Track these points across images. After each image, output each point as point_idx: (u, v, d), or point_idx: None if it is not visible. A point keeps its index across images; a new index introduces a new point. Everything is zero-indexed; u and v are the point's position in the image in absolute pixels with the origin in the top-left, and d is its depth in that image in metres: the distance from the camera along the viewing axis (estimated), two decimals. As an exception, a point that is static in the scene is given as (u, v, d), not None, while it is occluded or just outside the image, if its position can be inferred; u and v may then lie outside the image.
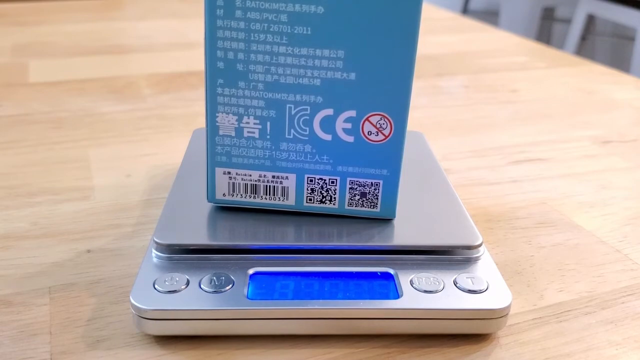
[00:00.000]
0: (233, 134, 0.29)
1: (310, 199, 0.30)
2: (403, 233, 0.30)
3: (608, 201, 0.40)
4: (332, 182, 0.30)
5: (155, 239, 0.28)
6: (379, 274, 0.28)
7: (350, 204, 0.30)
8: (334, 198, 0.30)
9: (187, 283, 0.27)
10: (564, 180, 0.42)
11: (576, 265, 0.33)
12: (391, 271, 0.28)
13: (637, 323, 0.28)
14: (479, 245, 0.29)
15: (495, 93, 0.60)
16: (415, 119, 0.53)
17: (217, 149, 0.29)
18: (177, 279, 0.27)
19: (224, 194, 0.30)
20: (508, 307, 0.27)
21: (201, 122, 0.50)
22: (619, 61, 2.19)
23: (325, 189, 0.30)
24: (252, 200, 0.30)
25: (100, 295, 0.29)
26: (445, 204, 0.32)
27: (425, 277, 0.28)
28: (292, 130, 0.29)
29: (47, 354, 0.26)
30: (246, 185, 0.30)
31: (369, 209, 0.30)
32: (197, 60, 0.68)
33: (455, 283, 0.27)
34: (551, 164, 0.45)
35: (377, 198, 0.30)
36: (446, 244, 0.29)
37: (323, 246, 0.29)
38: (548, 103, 0.57)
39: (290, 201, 0.30)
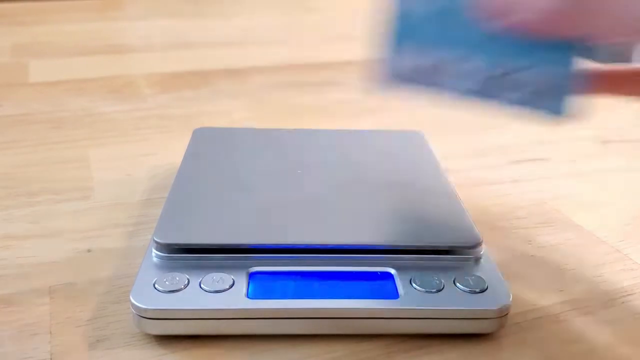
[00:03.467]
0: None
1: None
2: (403, 232, 0.30)
3: (608, 201, 0.40)
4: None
5: (156, 239, 0.28)
6: (379, 273, 0.28)
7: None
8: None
9: (188, 282, 0.27)
10: (564, 180, 0.42)
11: (576, 265, 0.33)
12: (391, 271, 0.28)
13: (637, 323, 0.28)
14: (479, 245, 0.29)
15: (495, 93, 0.60)
16: (415, 119, 0.53)
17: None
18: (178, 278, 0.27)
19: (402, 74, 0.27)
20: (508, 307, 0.27)
21: (201, 122, 0.50)
22: (619, 61, 2.19)
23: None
24: (429, 82, 0.27)
25: (100, 295, 0.29)
26: (445, 203, 0.32)
27: (425, 277, 0.28)
28: None
29: (47, 354, 0.26)
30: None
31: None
32: (197, 60, 0.68)
33: (455, 283, 0.27)
34: (551, 164, 0.45)
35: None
36: (446, 244, 0.29)
37: (323, 245, 0.29)
38: (548, 103, 0.57)
39: (472, 84, 0.27)
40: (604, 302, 0.30)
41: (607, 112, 0.55)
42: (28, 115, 0.51)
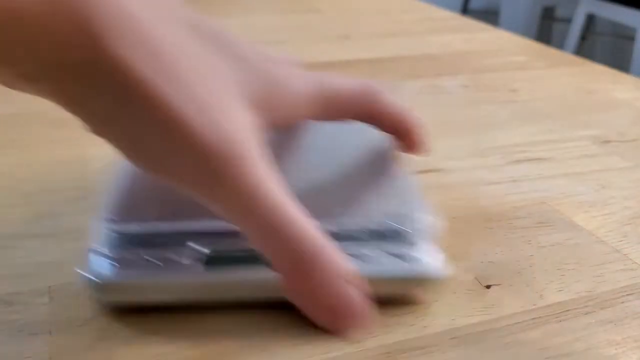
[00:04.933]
0: None
1: None
2: (338, 219, 0.29)
3: (608, 201, 0.40)
4: None
5: (107, 215, 0.28)
6: None
7: None
8: None
9: (142, 256, 0.27)
10: (564, 180, 0.42)
11: (576, 265, 0.33)
12: None
13: (637, 323, 0.29)
14: (417, 219, 0.29)
15: (495, 93, 0.60)
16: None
17: None
18: (133, 252, 0.27)
19: None
20: (440, 270, 0.28)
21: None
22: (619, 61, 2.20)
23: None
24: None
25: (100, 295, 0.29)
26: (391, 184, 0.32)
27: (353, 246, 0.28)
28: None
29: (47, 354, 0.26)
30: None
31: None
32: (197, 60, 0.67)
33: (385, 251, 0.28)
34: (551, 164, 0.45)
35: None
36: (380, 222, 0.29)
37: None
38: (548, 103, 0.57)
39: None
40: (604, 302, 0.30)
41: (607, 112, 0.55)
42: (28, 115, 0.51)
